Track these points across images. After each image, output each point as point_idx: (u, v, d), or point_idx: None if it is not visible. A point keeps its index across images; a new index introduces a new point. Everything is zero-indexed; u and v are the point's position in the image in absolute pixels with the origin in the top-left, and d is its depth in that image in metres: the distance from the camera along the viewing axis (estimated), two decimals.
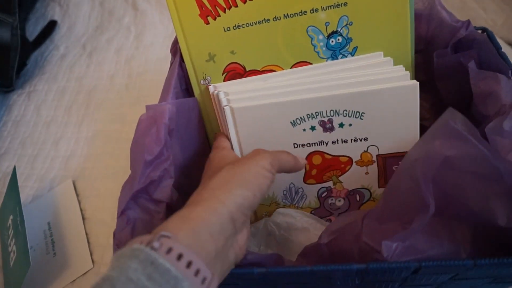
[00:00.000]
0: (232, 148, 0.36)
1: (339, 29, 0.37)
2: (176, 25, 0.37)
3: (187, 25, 0.37)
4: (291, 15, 0.36)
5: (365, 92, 0.33)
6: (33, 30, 0.85)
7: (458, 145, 0.22)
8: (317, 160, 0.37)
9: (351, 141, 0.36)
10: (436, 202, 0.25)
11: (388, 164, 0.37)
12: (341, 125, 0.35)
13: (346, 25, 0.36)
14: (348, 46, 0.37)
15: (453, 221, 0.27)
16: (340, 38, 0.37)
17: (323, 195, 0.39)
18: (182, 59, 0.39)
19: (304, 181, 0.38)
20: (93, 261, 0.48)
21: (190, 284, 0.20)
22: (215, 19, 0.36)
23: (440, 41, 0.39)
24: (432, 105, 0.44)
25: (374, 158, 0.36)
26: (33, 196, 0.57)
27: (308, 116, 0.35)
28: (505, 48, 0.61)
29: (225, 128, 0.36)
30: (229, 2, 0.36)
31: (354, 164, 0.37)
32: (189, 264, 0.21)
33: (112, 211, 0.52)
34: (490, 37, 0.36)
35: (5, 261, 0.48)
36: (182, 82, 0.39)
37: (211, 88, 0.38)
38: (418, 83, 0.33)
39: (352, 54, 0.38)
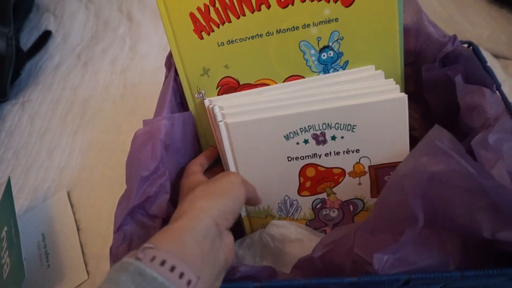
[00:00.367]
0: (202, 171, 0.37)
1: (330, 44, 0.38)
2: (170, 40, 0.37)
3: (181, 40, 0.37)
4: (284, 30, 0.37)
5: (356, 106, 0.34)
6: (27, 40, 0.85)
7: (443, 162, 0.23)
8: (311, 172, 0.38)
9: (344, 153, 0.37)
10: (425, 215, 0.26)
11: (380, 174, 0.38)
12: (333, 137, 0.36)
13: (337, 40, 0.37)
14: (339, 60, 0.38)
15: (442, 233, 0.28)
16: (331, 52, 0.38)
17: (317, 207, 0.39)
18: (176, 73, 0.39)
19: (299, 193, 0.39)
20: (88, 272, 0.48)
21: None
22: (209, 34, 0.37)
23: (428, 55, 0.40)
24: (422, 115, 0.45)
25: (367, 169, 0.37)
26: (26, 207, 0.57)
27: (301, 129, 0.35)
28: (491, 61, 0.63)
29: (220, 142, 0.37)
30: (222, 17, 0.36)
31: (347, 175, 0.38)
32: (172, 268, 0.22)
33: (107, 221, 0.53)
34: (476, 51, 0.38)
35: None
36: (176, 96, 0.40)
37: (206, 102, 0.39)
38: (406, 96, 0.34)
39: (344, 68, 0.39)
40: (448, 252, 0.28)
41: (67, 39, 0.85)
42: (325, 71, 0.39)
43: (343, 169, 0.37)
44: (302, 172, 0.38)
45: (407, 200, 0.26)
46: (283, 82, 0.39)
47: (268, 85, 0.39)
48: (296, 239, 0.37)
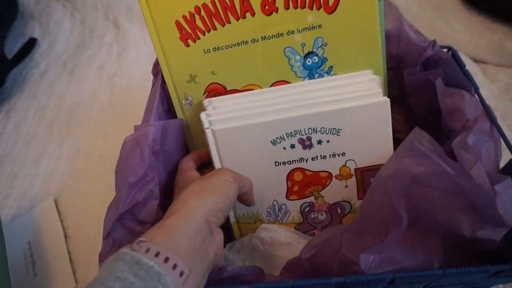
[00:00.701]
0: (195, 168, 0.38)
1: (315, 50, 0.38)
2: (156, 47, 0.38)
3: (167, 48, 0.38)
4: (269, 37, 0.38)
5: (340, 110, 0.35)
6: (11, 48, 0.84)
7: (423, 163, 0.24)
8: (298, 176, 0.38)
9: (330, 157, 0.37)
10: (409, 215, 0.27)
11: (365, 176, 0.38)
12: (319, 142, 0.37)
13: (321, 45, 0.38)
14: (324, 66, 0.39)
15: (426, 232, 0.29)
16: (316, 58, 0.39)
17: (305, 210, 0.40)
18: (163, 80, 0.40)
19: (287, 197, 0.39)
20: (76, 280, 0.47)
21: (172, 279, 0.23)
22: (195, 41, 0.38)
23: (409, 60, 0.41)
24: (406, 118, 0.46)
25: (353, 172, 0.38)
26: (12, 215, 0.56)
27: (288, 134, 0.36)
28: (470, 65, 0.64)
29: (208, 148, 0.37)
30: (208, 25, 0.37)
31: (334, 178, 0.38)
32: (166, 260, 0.23)
33: (95, 228, 0.52)
34: (455, 55, 0.39)
35: None
36: (164, 103, 0.40)
37: (205, 102, 0.39)
38: (389, 99, 0.35)
39: (328, 73, 0.40)
40: (431, 251, 0.29)
41: (52, 47, 0.84)
42: (310, 76, 0.40)
43: (329, 173, 0.38)
44: (289, 176, 0.38)
45: (391, 201, 0.26)
46: (270, 87, 0.40)
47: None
48: (285, 243, 0.37)
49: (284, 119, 0.35)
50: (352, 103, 0.35)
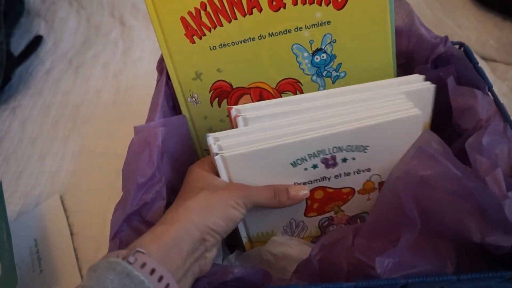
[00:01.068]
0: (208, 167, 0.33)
1: (323, 47, 0.38)
2: (161, 44, 0.37)
3: (173, 44, 0.37)
4: (276, 34, 0.37)
5: (369, 127, 0.31)
6: (17, 45, 0.84)
7: (432, 166, 0.23)
8: (319, 194, 0.35)
9: (354, 173, 0.34)
10: (419, 218, 0.26)
11: None
12: (344, 160, 0.33)
13: (330, 42, 0.37)
14: (332, 63, 0.38)
15: (436, 236, 0.28)
16: (324, 55, 0.38)
17: (324, 224, 0.37)
18: (168, 78, 0.39)
19: (305, 215, 0.36)
20: (82, 277, 0.47)
21: None
22: (200, 38, 0.37)
23: (420, 56, 0.40)
24: None
25: (376, 186, 0.35)
26: (18, 212, 0.56)
27: (310, 155, 0.32)
28: (480, 63, 0.63)
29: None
30: (214, 21, 0.36)
31: (356, 193, 0.35)
32: (160, 279, 0.23)
33: (101, 226, 0.52)
34: (467, 52, 0.38)
35: None
36: (169, 100, 0.40)
37: (233, 111, 0.34)
38: (420, 112, 0.31)
39: (337, 70, 0.39)
40: (443, 255, 0.28)
41: (58, 44, 0.84)
42: (318, 73, 0.39)
43: (352, 188, 0.35)
44: (310, 195, 0.34)
45: (401, 203, 0.26)
46: (277, 85, 0.39)
47: (261, 88, 0.39)
48: (299, 259, 0.33)
49: (307, 140, 0.31)
50: (382, 118, 0.31)
